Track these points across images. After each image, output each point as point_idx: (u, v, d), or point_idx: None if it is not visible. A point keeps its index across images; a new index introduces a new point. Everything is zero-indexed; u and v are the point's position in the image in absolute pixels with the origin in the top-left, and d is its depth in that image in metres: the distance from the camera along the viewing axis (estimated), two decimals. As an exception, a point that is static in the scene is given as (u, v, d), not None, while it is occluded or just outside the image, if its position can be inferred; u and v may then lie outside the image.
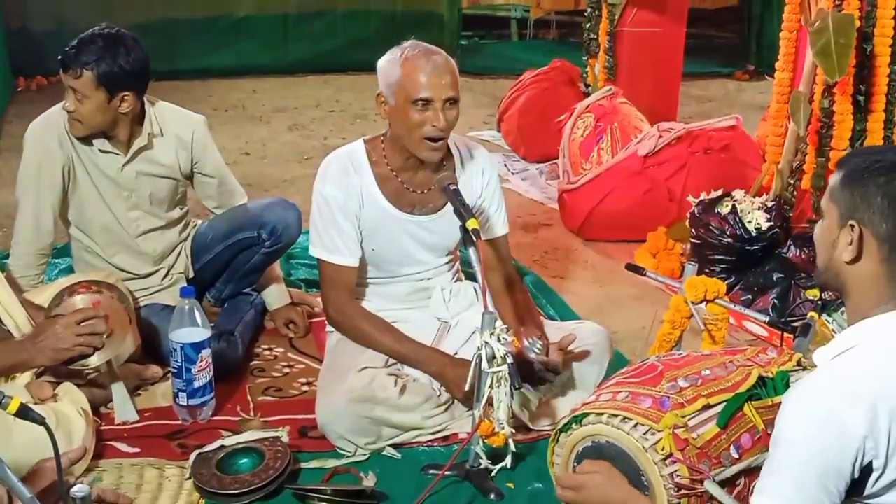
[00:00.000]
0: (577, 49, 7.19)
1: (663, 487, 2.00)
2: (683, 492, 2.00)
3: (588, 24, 5.95)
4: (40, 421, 1.73)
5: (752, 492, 1.80)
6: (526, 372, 2.69)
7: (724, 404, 2.07)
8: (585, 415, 2.16)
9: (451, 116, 2.78)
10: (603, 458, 2.11)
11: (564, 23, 10.55)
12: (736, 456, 2.04)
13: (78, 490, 1.68)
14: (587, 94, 5.73)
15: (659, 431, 2.01)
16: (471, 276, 3.21)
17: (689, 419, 2.03)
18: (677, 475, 2.00)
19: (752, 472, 2.04)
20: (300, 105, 7.31)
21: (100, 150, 3.17)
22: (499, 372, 2.53)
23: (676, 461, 2.00)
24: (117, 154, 3.18)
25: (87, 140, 3.15)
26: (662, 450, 1.99)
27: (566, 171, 5.05)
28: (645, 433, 2.03)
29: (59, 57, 3.04)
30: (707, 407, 2.06)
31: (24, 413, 1.71)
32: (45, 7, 7.77)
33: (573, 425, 2.18)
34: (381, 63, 2.83)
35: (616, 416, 2.09)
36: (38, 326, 2.73)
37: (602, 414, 2.12)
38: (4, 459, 2.24)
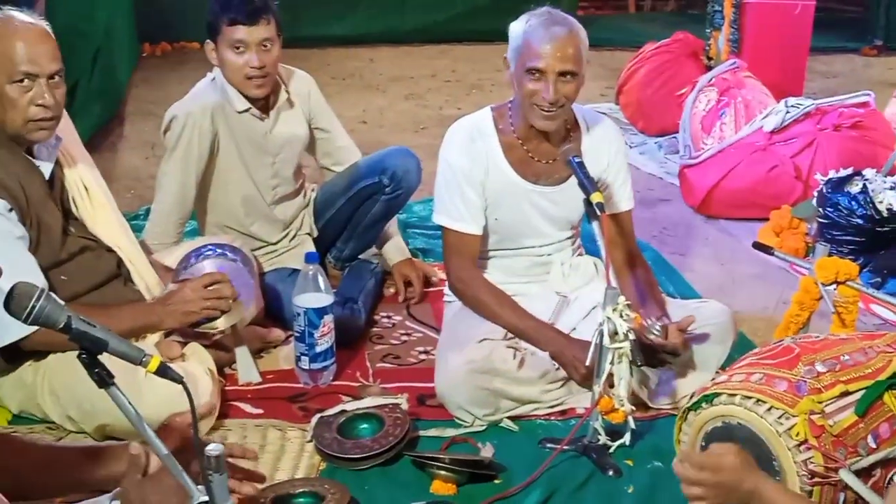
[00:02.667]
0: (696, 21, 7.02)
1: (796, 474, 1.96)
2: (817, 479, 1.95)
3: (713, -5, 5.80)
4: (178, 379, 1.76)
5: (888, 482, 1.75)
6: (645, 353, 2.65)
7: (864, 392, 2.00)
8: (717, 394, 2.12)
9: (565, 90, 2.73)
10: (733, 439, 2.06)
11: (683, -6, 10.33)
12: (873, 445, 1.98)
13: (213, 448, 1.71)
14: (710, 68, 5.59)
15: (794, 416, 1.96)
16: (591, 252, 3.18)
17: (825, 405, 1.98)
18: (811, 462, 1.95)
19: (890, 462, 1.98)
20: (416, 75, 7.31)
21: (251, 115, 3.22)
22: (620, 348, 2.51)
23: (811, 448, 1.95)
24: (262, 119, 3.24)
25: (240, 109, 3.20)
26: (797, 435, 1.95)
27: (687, 146, 4.95)
28: (779, 417, 1.98)
29: (240, 12, 3.04)
30: (845, 394, 2.00)
31: (163, 371, 1.75)
32: (171, -26, 7.93)
33: (703, 404, 2.15)
34: (511, 27, 2.82)
35: (749, 397, 2.05)
36: (169, 290, 2.80)
37: (735, 395, 2.07)
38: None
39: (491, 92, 6.85)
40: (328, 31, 7.83)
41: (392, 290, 3.63)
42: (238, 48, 3.09)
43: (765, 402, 2.02)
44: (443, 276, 3.60)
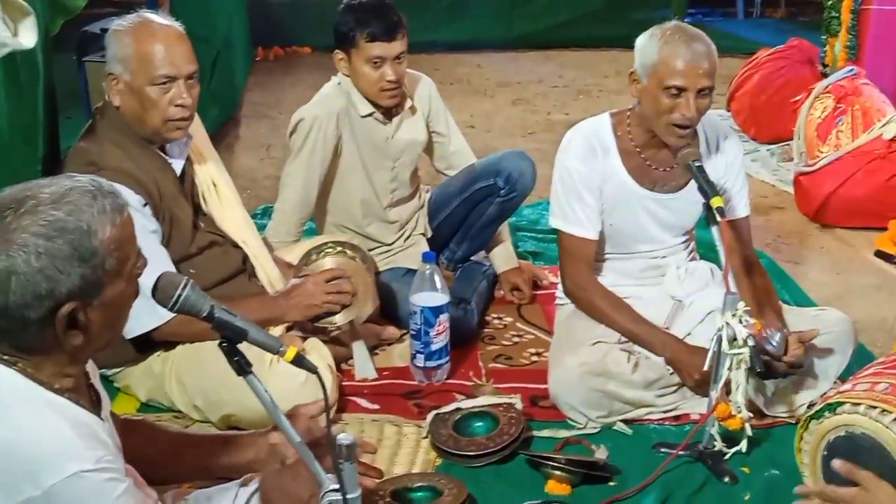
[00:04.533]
0: (806, 28, 6.91)
1: (924, 485, 1.91)
2: (946, 490, 1.90)
3: (830, 2, 5.68)
4: (313, 369, 1.81)
5: None
6: (765, 364, 2.63)
7: None
8: (840, 403, 2.09)
9: (702, 106, 2.72)
10: (857, 449, 2.03)
11: (793, 1, 10.15)
12: None
13: (345, 438, 1.76)
14: (825, 75, 5.48)
15: (921, 427, 1.92)
16: (706, 257, 3.16)
17: (954, 416, 1.93)
18: (940, 473, 1.91)
19: None
20: (523, 80, 7.34)
21: (374, 120, 3.29)
22: (739, 354, 2.49)
23: (940, 458, 1.90)
24: (384, 124, 3.31)
25: (364, 114, 3.27)
26: (924, 445, 1.91)
27: (801, 154, 4.87)
28: (905, 427, 1.95)
29: (380, 29, 3.11)
30: (974, 404, 1.95)
31: (299, 361, 1.80)
32: (285, -20, 8.13)
33: (826, 413, 2.12)
34: (640, 42, 2.78)
35: (874, 407, 2.01)
36: (291, 284, 2.88)
37: (859, 404, 2.04)
38: (257, 410, 2.37)
39: (598, 97, 6.84)
40: (437, 37, 7.93)
41: (503, 293, 3.66)
42: (376, 62, 3.15)
43: (891, 412, 1.99)
44: (553, 279, 3.63)
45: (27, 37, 2.21)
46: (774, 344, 2.67)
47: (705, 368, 2.56)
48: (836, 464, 1.88)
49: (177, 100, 2.59)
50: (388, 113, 3.32)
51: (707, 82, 2.69)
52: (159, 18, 2.65)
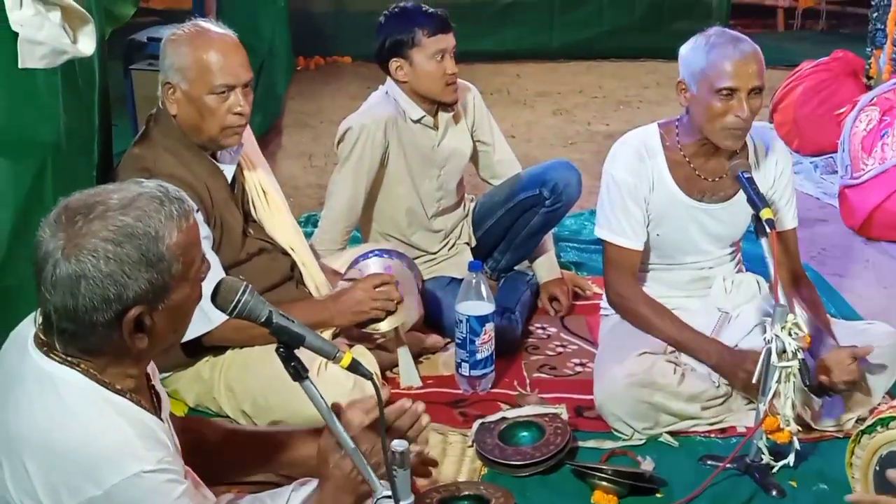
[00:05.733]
0: (849, 40, 6.85)
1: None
2: None
3: (875, 14, 5.64)
4: (368, 375, 1.82)
5: None
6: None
7: None
8: (893, 418, 2.08)
9: (755, 106, 2.71)
10: (911, 464, 2.02)
11: (835, 13, 10.08)
12: None
13: (398, 444, 1.77)
14: (870, 87, 5.44)
15: (976, 442, 1.91)
16: (752, 270, 3.14)
17: None
18: None
19: None
20: (563, 90, 7.33)
21: (423, 125, 3.33)
22: (788, 367, 2.47)
23: None
24: (434, 129, 3.33)
25: (416, 118, 3.31)
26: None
27: (846, 166, 4.82)
28: (961, 442, 1.93)
29: (437, 22, 3.23)
30: None
31: (354, 367, 1.81)
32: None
33: (878, 427, 2.11)
34: (684, 50, 2.79)
35: (928, 422, 2.00)
36: (339, 289, 2.89)
37: (912, 419, 2.03)
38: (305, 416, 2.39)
39: (638, 108, 6.82)
40: (477, 47, 7.91)
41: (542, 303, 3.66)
42: (439, 57, 3.21)
43: (945, 426, 1.98)
44: (597, 289, 3.62)
45: (86, 44, 2.24)
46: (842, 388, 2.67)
47: (754, 381, 2.55)
48: (893, 474, 1.87)
49: (235, 108, 2.62)
50: (436, 119, 3.34)
51: (757, 82, 2.69)
52: (215, 27, 2.68)
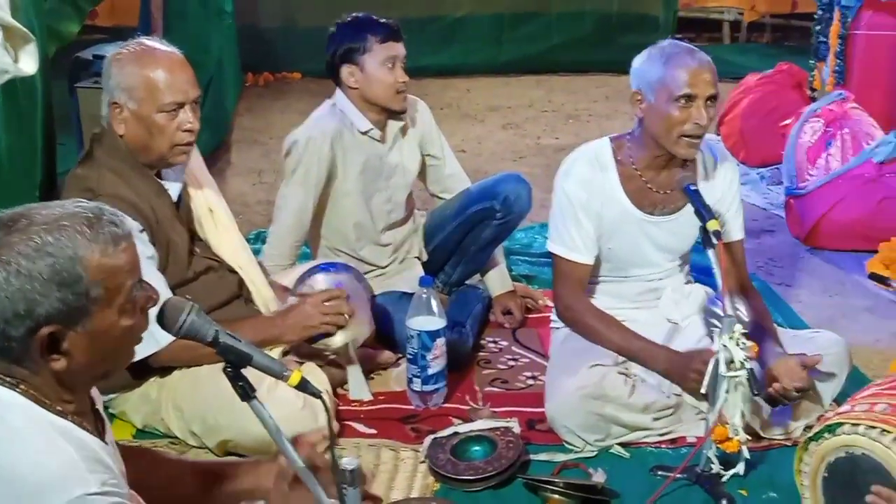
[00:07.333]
0: (792, 53, 6.96)
1: (925, 505, 1.92)
2: (946, 511, 1.91)
3: (818, 27, 5.74)
4: (317, 394, 1.81)
5: None
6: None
7: None
8: (839, 424, 2.09)
9: (712, 113, 2.75)
10: (857, 470, 2.04)
11: (779, 26, 10.24)
12: None
13: (349, 462, 1.76)
14: (813, 99, 5.54)
15: (921, 446, 1.93)
16: (699, 280, 3.17)
17: (954, 435, 1.94)
18: (941, 493, 1.91)
19: None
20: (513, 105, 7.38)
21: (370, 137, 3.33)
22: (736, 377, 2.50)
23: (940, 478, 1.91)
24: (381, 142, 3.33)
25: (363, 130, 3.31)
26: (925, 465, 1.92)
27: (791, 177, 4.89)
28: (905, 447, 1.95)
29: (389, 30, 3.25)
30: (974, 424, 1.96)
31: (303, 386, 1.80)
32: (274, 6, 8.14)
33: (825, 434, 2.12)
34: (639, 62, 2.82)
35: (874, 427, 2.02)
36: (289, 305, 2.87)
37: (858, 424, 2.05)
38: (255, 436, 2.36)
39: (588, 122, 6.88)
40: (427, 62, 7.93)
41: (495, 316, 3.66)
42: (390, 64, 3.23)
43: (890, 431, 1.99)
44: (548, 302, 3.64)
45: (28, 63, 2.22)
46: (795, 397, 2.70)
47: (703, 391, 2.57)
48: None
49: (185, 125, 2.60)
50: (384, 132, 3.34)
51: (713, 90, 2.73)
52: (160, 45, 2.65)
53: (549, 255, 3.04)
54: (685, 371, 2.75)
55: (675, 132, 2.75)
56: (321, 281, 2.99)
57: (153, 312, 1.75)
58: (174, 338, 1.84)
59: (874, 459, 2.02)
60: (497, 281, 3.69)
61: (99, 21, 7.76)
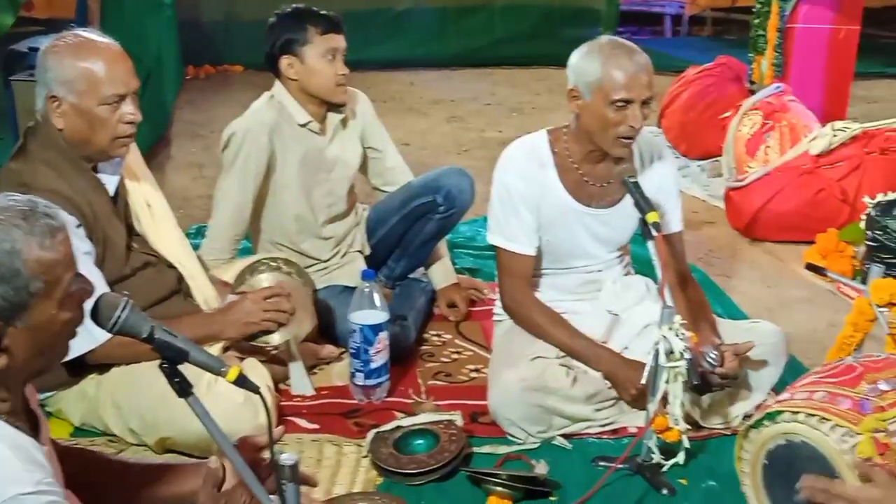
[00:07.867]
0: (732, 46, 7.05)
1: (860, 492, 1.95)
2: (881, 497, 1.94)
3: (756, 20, 5.81)
4: (256, 389, 1.79)
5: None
6: (701, 378, 2.67)
7: (928, 410, 2.00)
8: (779, 412, 2.12)
9: (647, 113, 2.76)
10: (796, 458, 2.07)
11: (720, 20, 10.37)
12: (938, 464, 1.97)
13: (287, 458, 1.74)
14: (752, 92, 5.60)
15: (858, 434, 1.96)
16: (640, 272, 3.20)
17: (889, 423, 1.97)
18: (875, 480, 1.94)
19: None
20: (457, 98, 7.38)
21: (309, 130, 3.30)
22: (676, 367, 2.52)
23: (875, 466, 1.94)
24: (320, 134, 3.31)
25: (301, 122, 3.28)
26: (861, 454, 1.94)
27: (731, 169, 4.96)
28: (843, 435, 1.97)
29: (329, 22, 3.23)
30: (910, 412, 1.99)
31: (241, 381, 1.78)
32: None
33: (765, 422, 2.15)
34: (576, 58, 2.80)
35: (813, 415, 2.04)
36: (229, 302, 2.84)
37: (798, 413, 2.07)
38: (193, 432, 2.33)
39: (531, 115, 6.91)
40: (370, 55, 7.93)
41: (439, 309, 3.67)
42: (330, 56, 3.20)
43: (828, 419, 2.02)
44: (492, 294, 3.64)
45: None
46: (711, 360, 2.70)
47: (643, 382, 2.60)
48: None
49: (126, 117, 2.55)
50: (324, 125, 3.32)
51: (649, 93, 2.74)
52: (97, 36, 2.59)
53: (493, 247, 3.04)
54: (626, 384, 2.77)
55: (611, 133, 2.76)
56: (263, 278, 2.98)
57: (88, 306, 1.72)
58: (110, 335, 1.81)
59: (812, 447, 2.04)
60: (441, 274, 3.69)
61: (35, 13, 7.60)
